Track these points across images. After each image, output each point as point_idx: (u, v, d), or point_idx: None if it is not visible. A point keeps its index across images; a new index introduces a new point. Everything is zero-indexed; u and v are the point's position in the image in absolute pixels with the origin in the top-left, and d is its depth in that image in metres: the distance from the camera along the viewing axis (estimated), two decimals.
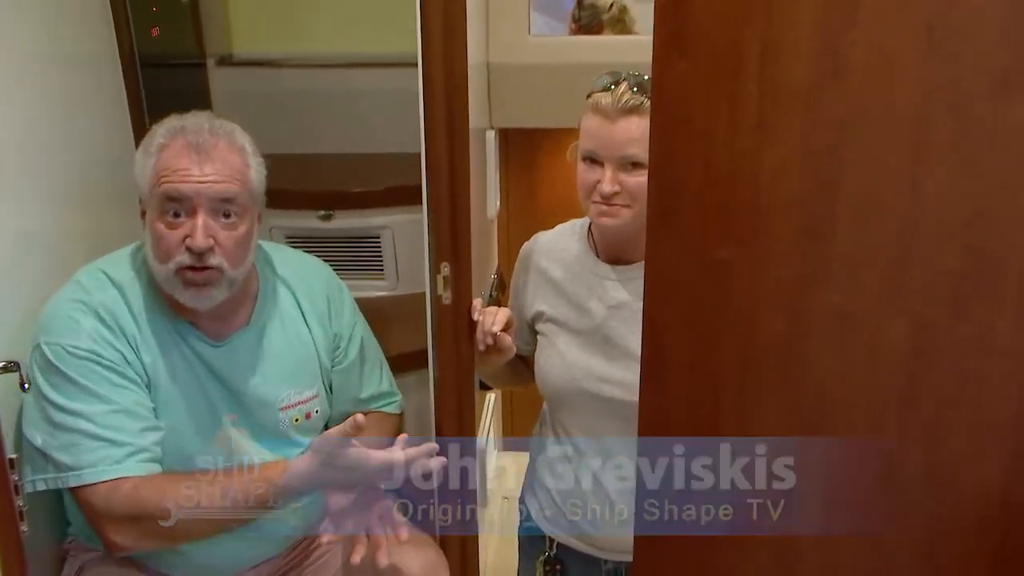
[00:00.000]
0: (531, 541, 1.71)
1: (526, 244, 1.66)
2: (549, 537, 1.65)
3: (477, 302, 1.52)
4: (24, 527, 1.22)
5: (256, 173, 1.41)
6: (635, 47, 2.33)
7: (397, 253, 2.41)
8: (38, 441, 1.34)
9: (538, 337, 1.60)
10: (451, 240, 1.48)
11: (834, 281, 0.89)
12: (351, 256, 2.41)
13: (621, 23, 2.61)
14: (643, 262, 1.44)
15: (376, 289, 2.44)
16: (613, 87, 1.40)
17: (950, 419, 0.90)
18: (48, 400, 1.34)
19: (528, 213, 3.05)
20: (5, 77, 1.46)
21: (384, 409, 1.69)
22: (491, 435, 2.87)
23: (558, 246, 1.60)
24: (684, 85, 0.87)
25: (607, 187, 1.40)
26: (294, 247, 1.72)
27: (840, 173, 0.86)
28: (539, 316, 1.59)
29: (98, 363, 1.35)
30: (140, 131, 1.88)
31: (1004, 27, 0.78)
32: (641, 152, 1.37)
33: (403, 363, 1.93)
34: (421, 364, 1.64)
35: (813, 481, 0.96)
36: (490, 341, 1.46)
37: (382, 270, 2.44)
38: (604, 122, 1.40)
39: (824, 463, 0.95)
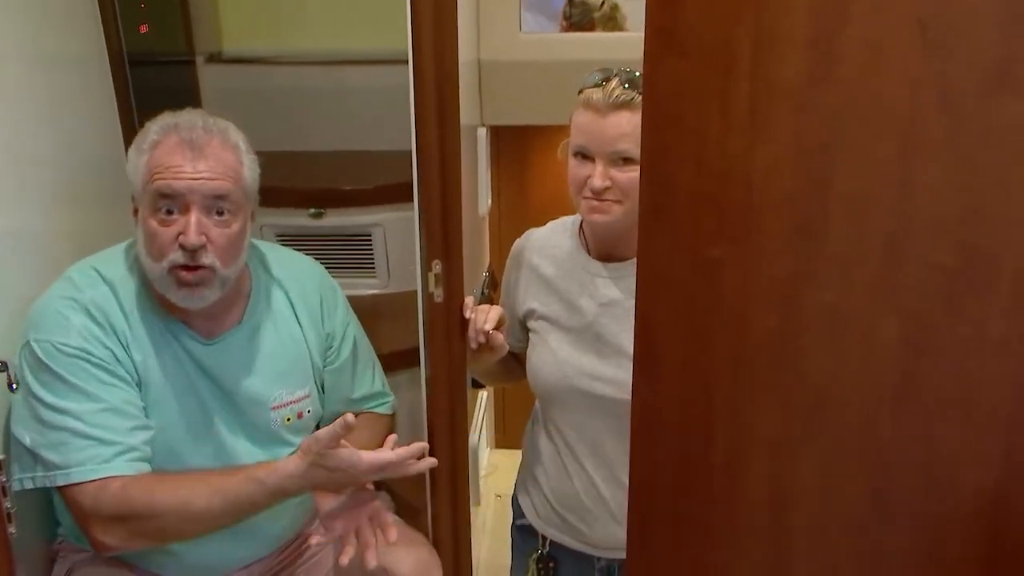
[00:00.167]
0: (524, 539, 1.71)
1: (518, 241, 1.66)
2: (542, 535, 1.65)
3: (469, 300, 1.52)
4: (12, 528, 1.21)
5: (249, 171, 1.41)
6: (627, 44, 2.32)
7: (388, 251, 2.41)
8: (27, 440, 1.33)
9: (530, 335, 1.60)
10: (443, 238, 1.48)
11: (827, 278, 0.89)
12: (342, 254, 2.41)
13: (612, 20, 2.60)
14: (635, 259, 1.45)
15: (367, 287, 2.44)
16: (604, 83, 1.40)
17: (944, 416, 0.90)
18: (37, 398, 1.33)
19: (519, 210, 3.05)
20: None
21: (376, 410, 1.68)
22: (483, 432, 2.87)
23: (550, 243, 1.59)
24: (676, 82, 0.86)
25: (598, 182, 1.40)
26: (285, 245, 1.72)
27: (832, 170, 0.86)
28: (531, 313, 1.59)
29: (88, 361, 1.34)
30: (129, 129, 1.88)
31: (997, 22, 0.78)
32: (632, 147, 1.37)
33: (395, 361, 1.93)
34: (413, 362, 1.64)
35: (806, 478, 0.96)
36: (482, 339, 1.46)
37: (373, 268, 2.44)
38: (595, 117, 1.40)
39: (817, 460, 0.95)
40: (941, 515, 0.93)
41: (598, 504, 1.54)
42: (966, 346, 0.87)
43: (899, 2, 0.80)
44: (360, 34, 2.60)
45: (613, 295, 1.49)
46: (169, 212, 1.33)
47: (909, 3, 0.80)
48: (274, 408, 1.50)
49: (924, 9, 0.79)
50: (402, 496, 1.89)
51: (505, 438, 3.25)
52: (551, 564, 1.66)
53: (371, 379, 1.68)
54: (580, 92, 1.44)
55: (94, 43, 1.84)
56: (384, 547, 1.43)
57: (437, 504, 1.64)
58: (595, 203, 1.42)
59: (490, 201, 2.76)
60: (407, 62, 1.40)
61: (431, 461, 1.44)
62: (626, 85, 1.39)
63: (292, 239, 2.33)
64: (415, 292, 1.54)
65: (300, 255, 1.65)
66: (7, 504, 1.21)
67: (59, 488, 1.34)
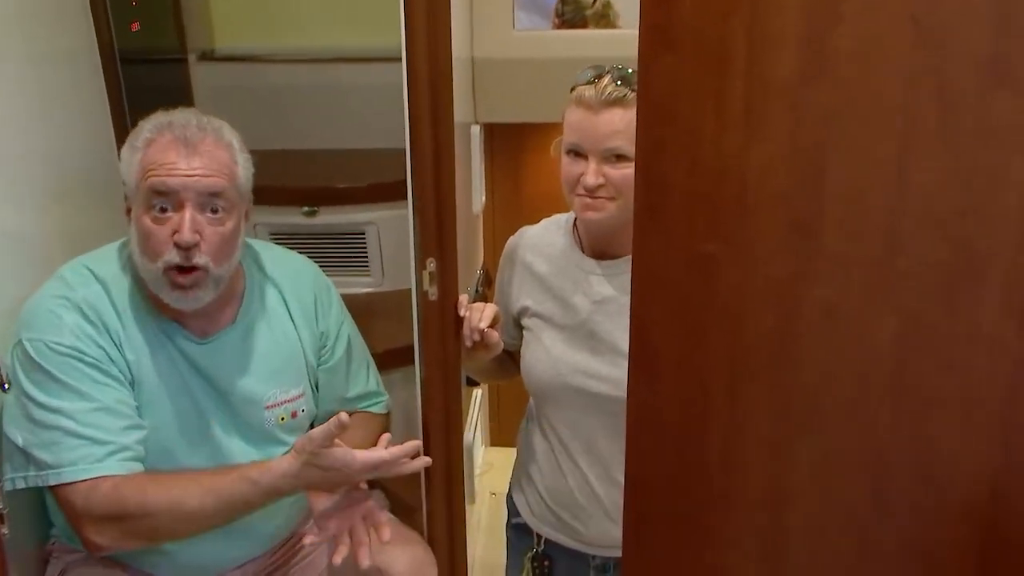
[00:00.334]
0: (519, 537, 1.71)
1: (511, 239, 1.66)
2: (537, 533, 1.65)
3: (463, 298, 1.52)
4: (5, 529, 1.20)
5: (244, 170, 1.41)
6: (620, 42, 2.33)
7: (382, 249, 2.41)
8: (19, 440, 1.32)
9: (524, 332, 1.59)
10: (437, 235, 1.48)
11: (822, 276, 0.89)
12: (336, 252, 2.40)
13: (605, 18, 2.61)
14: (628, 257, 1.46)
15: (361, 285, 2.43)
16: (596, 80, 1.40)
17: (940, 413, 0.90)
18: (29, 397, 1.32)
19: (513, 208, 3.05)
20: None
21: (370, 409, 1.68)
22: (478, 430, 2.87)
23: (543, 241, 1.59)
24: (671, 80, 0.86)
25: (591, 179, 1.39)
26: (278, 243, 1.71)
27: (827, 167, 0.86)
28: (524, 311, 1.58)
29: (80, 360, 1.34)
30: (121, 128, 1.87)
31: (991, 18, 0.78)
32: (625, 144, 1.37)
33: (389, 360, 1.92)
34: (407, 360, 1.64)
35: (803, 476, 0.96)
36: (477, 337, 1.46)
37: (367, 266, 2.44)
38: (587, 114, 1.39)
39: (814, 458, 0.95)
40: (938, 512, 0.94)
41: (592, 502, 1.54)
42: (961, 343, 0.87)
43: None
44: (353, 31, 2.59)
45: (607, 292, 1.49)
46: (163, 210, 1.33)
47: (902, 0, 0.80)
48: (268, 407, 1.50)
49: (917, 6, 0.79)
50: (397, 494, 1.88)
51: (500, 436, 3.25)
52: (546, 562, 1.66)
53: (365, 378, 1.67)
54: (572, 89, 1.43)
55: (85, 40, 1.83)
56: (379, 546, 1.42)
57: (432, 502, 1.64)
58: (588, 200, 1.42)
59: (484, 198, 2.76)
60: (400, 59, 1.39)
61: (425, 460, 1.44)
62: (618, 82, 1.38)
63: (286, 237, 2.32)
64: (409, 290, 1.53)
65: (294, 254, 1.65)
66: None
67: (51, 488, 1.33)
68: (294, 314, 1.54)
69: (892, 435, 0.92)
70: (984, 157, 0.82)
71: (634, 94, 1.37)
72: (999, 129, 0.81)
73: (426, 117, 1.41)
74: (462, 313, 1.50)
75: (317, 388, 1.60)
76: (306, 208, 2.35)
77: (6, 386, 1.34)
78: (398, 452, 1.37)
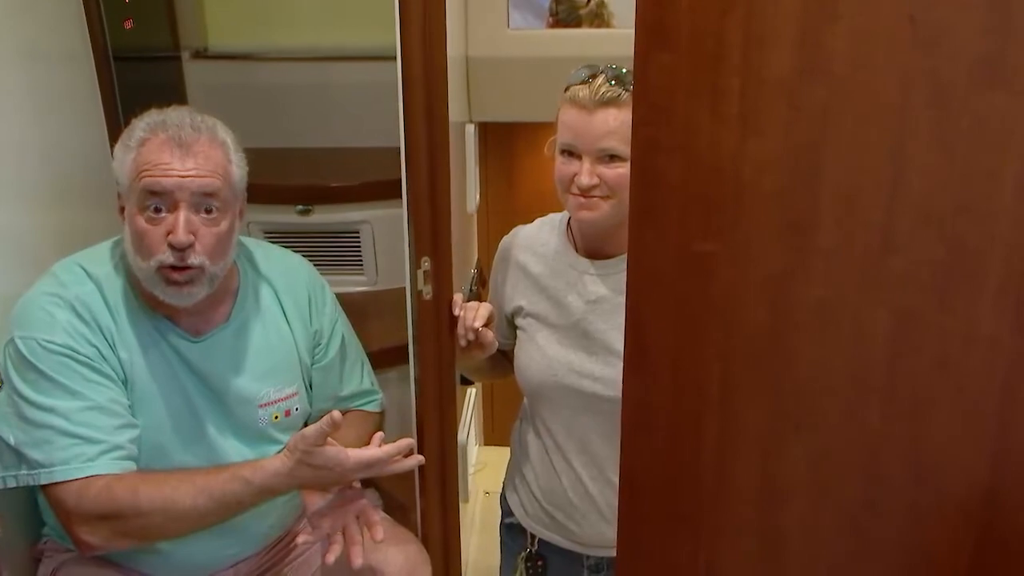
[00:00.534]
0: (513, 537, 1.71)
1: (505, 238, 1.66)
2: (531, 533, 1.65)
3: (458, 297, 1.51)
4: None
5: (238, 169, 1.40)
6: (615, 41, 2.33)
7: (376, 248, 2.40)
8: (10, 438, 1.32)
9: (517, 332, 1.59)
10: (431, 234, 1.47)
11: (817, 274, 0.89)
12: (330, 251, 2.40)
13: (599, 17, 2.61)
14: (622, 256, 1.46)
15: (355, 284, 2.43)
16: (591, 80, 1.40)
17: (933, 409, 0.90)
18: (21, 396, 1.32)
19: (507, 207, 3.05)
20: None
21: (365, 407, 1.68)
22: (472, 429, 2.87)
23: (537, 240, 1.59)
24: (666, 77, 0.86)
25: (585, 179, 1.39)
26: (272, 242, 1.71)
27: (822, 166, 0.86)
28: (518, 311, 1.58)
29: (73, 358, 1.33)
30: (114, 126, 1.86)
31: (986, 17, 0.78)
32: (619, 144, 1.37)
33: (383, 359, 1.92)
34: (401, 360, 1.64)
35: (797, 473, 0.97)
36: (472, 337, 1.46)
37: (361, 265, 2.43)
38: (581, 114, 1.39)
39: (807, 456, 0.96)
40: (931, 509, 0.94)
41: (585, 501, 1.54)
42: (955, 341, 0.87)
43: None
44: (347, 30, 2.59)
45: (601, 292, 1.49)
46: (157, 210, 1.32)
47: None
48: (262, 406, 1.50)
49: (914, 5, 0.80)
50: (391, 493, 1.88)
51: (494, 435, 3.25)
52: (540, 562, 1.66)
53: (359, 376, 1.67)
54: (566, 89, 1.43)
55: (78, 39, 1.82)
56: (372, 545, 1.42)
57: (426, 501, 1.64)
58: (582, 200, 1.42)
59: (478, 198, 2.76)
60: (395, 58, 1.39)
61: (418, 458, 1.44)
62: (612, 82, 1.38)
63: (279, 236, 2.32)
64: (403, 289, 1.53)
65: (288, 252, 1.65)
66: None
67: (42, 487, 1.33)
68: (288, 312, 1.54)
69: (886, 433, 0.92)
70: (979, 156, 0.82)
71: (628, 94, 1.37)
72: (994, 128, 0.81)
73: (421, 116, 1.41)
74: (456, 312, 1.50)
75: (311, 386, 1.59)
76: (300, 207, 2.35)
77: None
78: (391, 450, 1.36)
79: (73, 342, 1.34)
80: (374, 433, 1.49)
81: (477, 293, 2.49)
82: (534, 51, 2.48)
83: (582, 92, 1.39)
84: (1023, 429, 0.89)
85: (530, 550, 1.66)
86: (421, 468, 1.53)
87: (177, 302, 1.36)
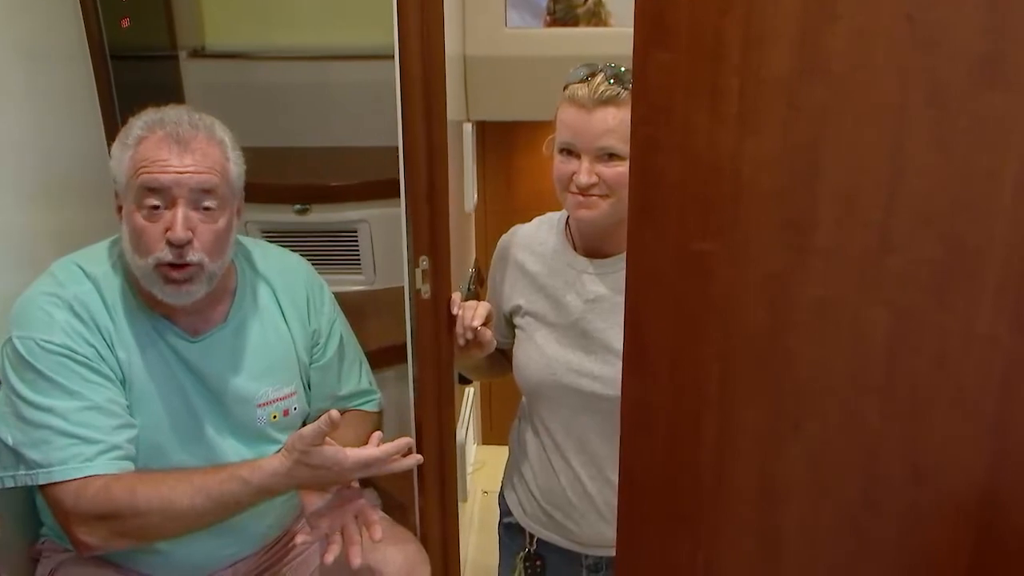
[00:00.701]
0: (511, 536, 1.70)
1: (504, 237, 1.66)
2: (529, 532, 1.65)
3: (456, 296, 1.51)
4: None
5: (236, 167, 1.40)
6: (613, 39, 2.33)
7: (374, 247, 2.40)
8: (8, 438, 1.32)
9: (516, 331, 1.59)
10: (430, 233, 1.47)
11: (815, 273, 0.89)
12: (328, 250, 2.40)
13: (597, 16, 2.61)
14: (621, 255, 1.46)
15: (353, 283, 2.43)
16: (589, 78, 1.40)
17: (932, 409, 0.90)
18: (19, 396, 1.32)
19: (505, 206, 3.05)
20: None
21: (363, 407, 1.68)
22: (470, 428, 2.87)
23: (536, 239, 1.59)
24: (665, 75, 0.86)
25: (584, 178, 1.39)
26: (270, 241, 1.71)
27: (821, 165, 0.86)
28: (517, 310, 1.58)
29: (71, 358, 1.33)
30: (111, 125, 1.86)
31: (984, 17, 0.78)
32: (617, 143, 1.37)
33: (382, 358, 1.92)
34: (400, 359, 1.64)
35: (795, 472, 0.97)
36: (470, 336, 1.46)
37: (359, 264, 2.43)
38: (580, 113, 1.39)
39: (806, 455, 0.96)
40: (930, 510, 0.94)
41: (584, 501, 1.54)
42: (954, 340, 0.87)
43: None
44: (345, 29, 2.59)
45: (599, 291, 1.49)
46: (155, 207, 1.32)
47: None
48: (260, 405, 1.49)
49: (912, 4, 0.80)
50: (390, 493, 1.88)
51: (492, 434, 3.26)
52: (538, 562, 1.66)
53: (358, 376, 1.67)
54: (565, 88, 1.43)
55: (75, 38, 1.82)
56: (371, 545, 1.42)
57: (425, 501, 1.64)
58: (581, 199, 1.42)
59: (476, 197, 2.76)
60: (393, 57, 1.39)
61: (417, 458, 1.43)
62: (611, 80, 1.38)
63: (277, 235, 2.32)
64: (401, 288, 1.53)
65: (286, 251, 1.64)
66: None
67: (40, 487, 1.33)
68: (286, 312, 1.54)
69: (885, 433, 0.92)
70: (977, 155, 0.82)
71: (627, 93, 1.37)
72: (993, 128, 0.81)
73: (419, 115, 1.41)
74: (455, 311, 1.50)
75: (309, 386, 1.59)
76: (298, 206, 2.35)
77: None
78: (390, 449, 1.36)
79: (71, 342, 1.33)
80: (372, 432, 1.49)
81: (475, 292, 2.49)
82: (532, 50, 2.48)
83: (581, 91, 1.39)
84: (1022, 427, 0.89)
85: (529, 550, 1.66)
86: (420, 467, 1.53)
87: (175, 301, 1.36)
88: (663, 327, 0.94)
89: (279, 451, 1.35)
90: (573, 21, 2.61)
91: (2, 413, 1.33)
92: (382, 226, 2.34)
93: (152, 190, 1.32)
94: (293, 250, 1.66)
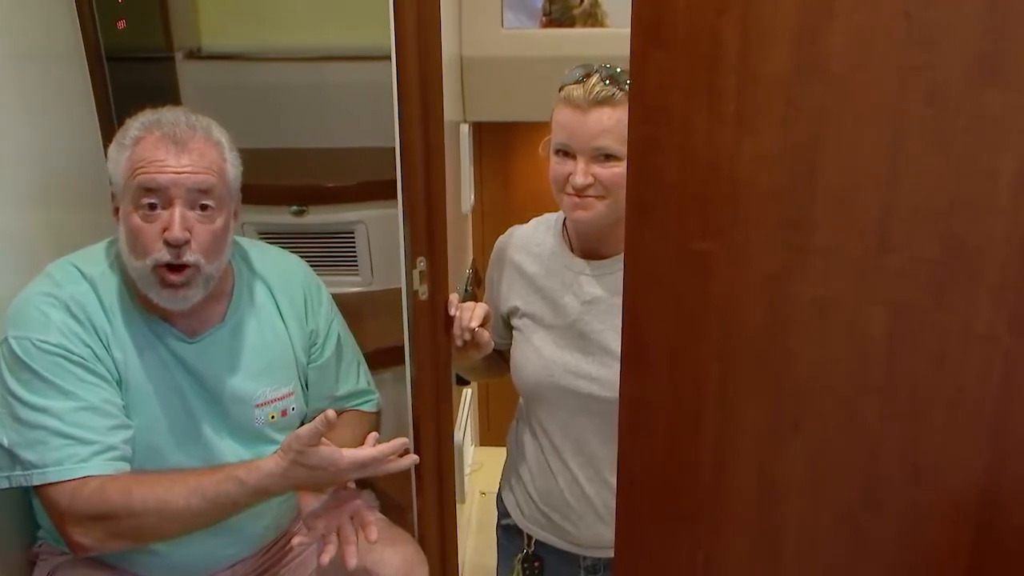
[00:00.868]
0: (509, 538, 1.70)
1: (501, 238, 1.66)
2: (527, 534, 1.65)
3: (454, 297, 1.51)
4: None
5: (233, 168, 1.40)
6: (609, 40, 2.33)
7: (371, 248, 2.40)
8: (4, 439, 1.31)
9: (513, 332, 1.59)
10: (427, 234, 1.47)
11: (814, 272, 0.89)
12: (325, 251, 2.39)
13: (592, 17, 2.61)
14: (618, 257, 1.46)
15: (350, 285, 2.43)
16: (584, 79, 1.40)
17: (931, 408, 0.90)
18: (14, 396, 1.31)
19: (502, 207, 3.05)
20: None
21: (361, 407, 1.67)
22: (468, 430, 2.86)
23: (533, 240, 1.59)
24: (662, 75, 0.86)
25: (580, 179, 1.39)
26: (267, 242, 1.70)
27: (819, 164, 0.86)
28: (514, 311, 1.58)
29: (67, 359, 1.33)
30: (107, 126, 1.85)
31: (982, 13, 0.78)
32: (613, 143, 1.37)
33: (379, 359, 1.92)
34: (397, 360, 1.63)
35: (795, 471, 0.96)
36: (468, 337, 1.46)
37: (356, 265, 2.43)
38: (576, 114, 1.39)
39: (806, 454, 0.95)
40: (929, 506, 0.94)
41: (582, 502, 1.54)
42: (953, 340, 0.87)
43: None
44: (342, 29, 2.58)
45: (596, 293, 1.49)
46: (152, 207, 1.32)
47: None
48: (258, 406, 1.49)
49: (910, 2, 0.79)
50: (388, 494, 1.88)
51: (490, 435, 3.26)
52: (536, 564, 1.66)
53: (356, 376, 1.67)
54: (561, 89, 1.43)
55: (71, 39, 1.81)
56: (369, 546, 1.42)
57: (423, 502, 1.63)
58: (577, 200, 1.42)
59: (473, 198, 2.76)
60: (390, 58, 1.39)
61: (413, 458, 1.43)
62: (607, 81, 1.38)
63: (274, 237, 2.31)
64: (399, 289, 1.53)
65: (284, 252, 1.64)
66: None
67: (36, 488, 1.32)
68: (284, 312, 1.54)
69: (884, 432, 0.92)
70: (975, 154, 0.82)
71: (623, 93, 1.37)
72: (991, 126, 0.81)
73: (416, 116, 1.41)
74: (452, 312, 1.49)
75: (307, 386, 1.59)
76: (295, 207, 2.34)
77: None
78: (386, 449, 1.36)
79: (67, 342, 1.33)
80: (370, 433, 1.49)
81: (473, 293, 2.49)
82: (528, 51, 2.48)
83: (576, 91, 1.39)
84: (1021, 427, 0.88)
85: (526, 551, 1.66)
86: (417, 468, 1.52)
87: (172, 306, 1.36)
88: (662, 327, 0.94)
89: (276, 452, 1.35)
90: (569, 22, 2.61)
91: None
92: (379, 227, 2.34)
93: (149, 190, 1.31)
94: (290, 251, 1.65)
